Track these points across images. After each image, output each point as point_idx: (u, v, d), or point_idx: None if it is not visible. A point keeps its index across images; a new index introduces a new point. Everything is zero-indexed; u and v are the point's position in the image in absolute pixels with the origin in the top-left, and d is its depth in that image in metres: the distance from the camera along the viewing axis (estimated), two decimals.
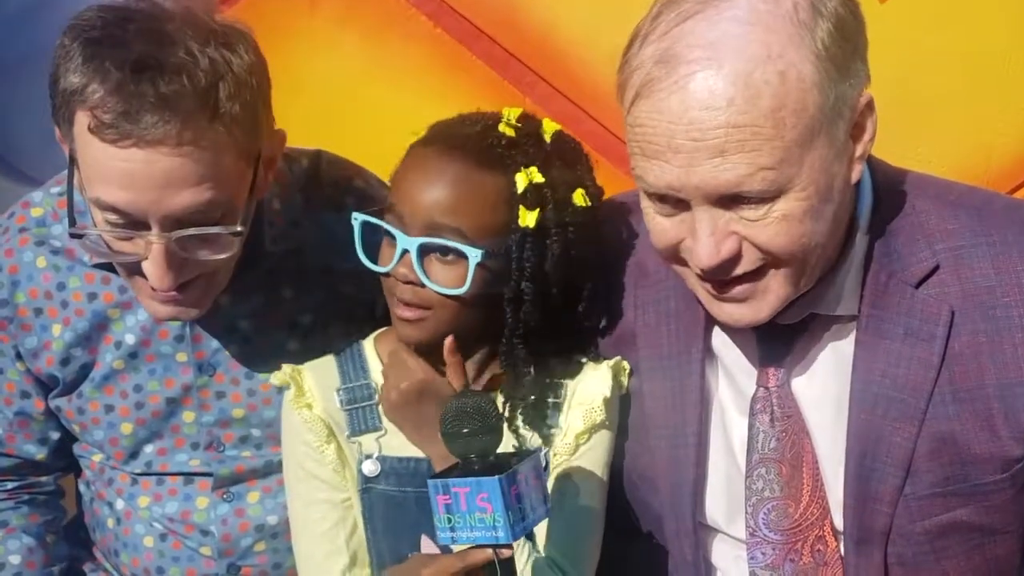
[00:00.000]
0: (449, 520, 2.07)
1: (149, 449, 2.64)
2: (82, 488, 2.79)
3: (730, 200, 2.08)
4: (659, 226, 2.18)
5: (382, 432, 2.42)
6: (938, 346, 2.22)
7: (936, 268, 2.24)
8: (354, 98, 3.51)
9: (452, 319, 2.33)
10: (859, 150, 2.16)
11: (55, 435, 2.71)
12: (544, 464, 2.19)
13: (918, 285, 2.24)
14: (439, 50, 3.50)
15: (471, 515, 2.05)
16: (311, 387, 2.45)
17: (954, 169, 3.39)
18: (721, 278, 2.17)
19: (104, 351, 2.60)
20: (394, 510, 2.40)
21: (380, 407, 2.42)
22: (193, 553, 2.66)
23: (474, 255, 2.28)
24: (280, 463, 2.60)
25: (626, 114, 2.14)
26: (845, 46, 2.08)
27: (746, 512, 2.35)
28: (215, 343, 2.59)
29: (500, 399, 2.39)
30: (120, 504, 2.69)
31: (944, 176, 2.58)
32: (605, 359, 2.46)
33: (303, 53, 3.49)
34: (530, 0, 3.47)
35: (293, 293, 2.61)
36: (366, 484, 2.42)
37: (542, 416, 2.41)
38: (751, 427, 2.34)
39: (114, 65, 2.20)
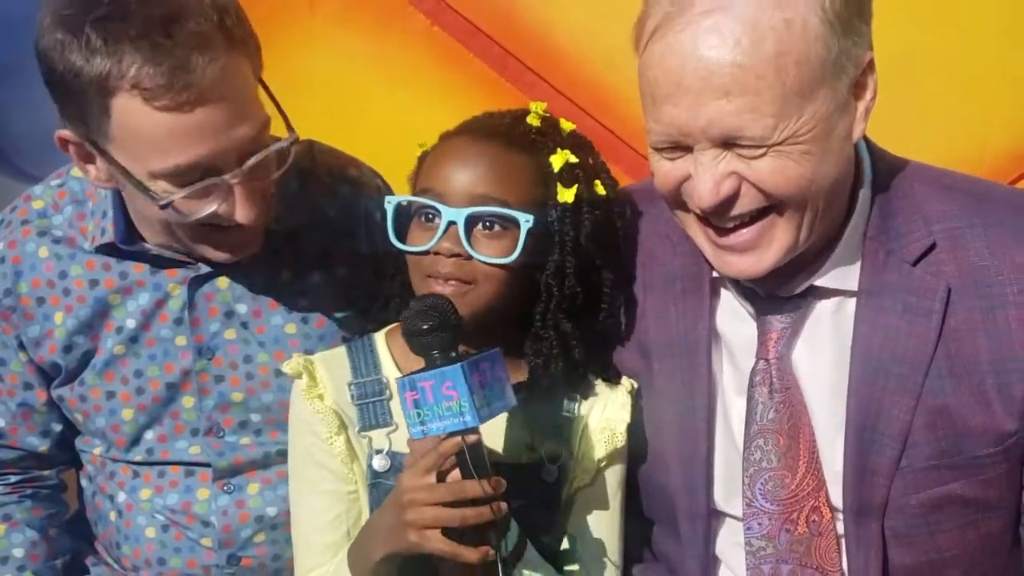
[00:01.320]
0: (419, 415, 2.17)
1: (149, 436, 2.66)
2: (84, 482, 2.80)
3: (732, 144, 2.16)
4: (663, 168, 2.25)
5: (392, 427, 2.42)
6: (935, 321, 2.27)
7: (933, 246, 2.30)
8: (353, 95, 3.55)
9: (494, 294, 2.35)
10: (861, 107, 2.23)
11: (57, 427, 2.73)
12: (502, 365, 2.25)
13: (915, 263, 2.30)
14: (437, 48, 3.54)
15: (439, 405, 2.15)
16: (323, 378, 2.45)
17: (948, 164, 3.39)
18: (722, 223, 2.23)
19: (105, 337, 2.62)
20: None
21: (391, 402, 2.43)
22: (194, 544, 2.67)
23: (525, 220, 2.32)
24: (279, 453, 2.63)
25: (640, 58, 2.22)
26: (851, 5, 2.16)
27: (743, 483, 2.38)
28: (214, 327, 2.61)
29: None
30: (122, 497, 2.70)
31: None
32: (618, 379, 2.49)
33: (302, 51, 3.52)
34: None
35: (290, 277, 2.63)
36: (376, 479, 2.42)
37: (557, 417, 2.44)
38: (750, 399, 2.38)
39: (138, 33, 2.22)
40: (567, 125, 2.50)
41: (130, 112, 2.25)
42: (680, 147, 2.20)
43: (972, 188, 2.38)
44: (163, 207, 2.34)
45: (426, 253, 2.35)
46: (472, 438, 2.17)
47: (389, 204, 2.41)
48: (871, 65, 2.22)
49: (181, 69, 2.21)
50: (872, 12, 2.23)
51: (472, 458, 2.18)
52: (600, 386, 2.48)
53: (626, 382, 2.49)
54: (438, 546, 2.19)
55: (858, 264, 2.33)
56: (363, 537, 2.35)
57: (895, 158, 2.41)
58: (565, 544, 2.47)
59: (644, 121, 2.25)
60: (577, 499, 2.47)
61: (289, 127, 2.43)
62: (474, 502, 2.18)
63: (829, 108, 2.16)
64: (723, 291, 2.43)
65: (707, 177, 2.17)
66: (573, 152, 2.43)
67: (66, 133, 2.38)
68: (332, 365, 2.47)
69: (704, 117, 2.13)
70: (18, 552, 2.71)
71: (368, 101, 3.54)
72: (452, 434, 2.17)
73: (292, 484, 2.51)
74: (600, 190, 2.46)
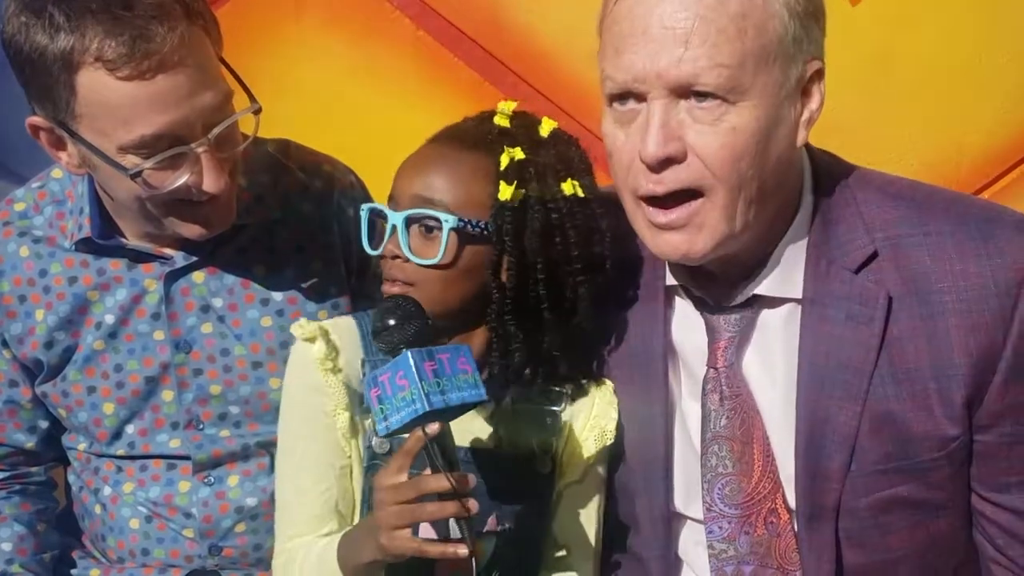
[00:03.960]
0: (382, 411, 2.18)
1: (131, 429, 2.71)
2: (71, 479, 2.85)
3: (686, 94, 2.19)
4: (617, 141, 2.27)
5: None
6: (877, 328, 2.29)
7: (874, 255, 2.32)
8: (339, 100, 3.59)
9: (434, 295, 2.34)
10: (806, 114, 2.26)
11: (44, 424, 2.78)
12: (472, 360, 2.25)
13: (858, 271, 2.32)
14: (423, 52, 3.59)
15: (396, 397, 2.16)
16: (341, 349, 2.45)
17: (926, 166, 3.45)
18: (655, 186, 2.23)
19: (86, 333, 2.67)
20: None
21: None
22: (177, 535, 2.72)
23: (447, 221, 2.32)
24: (258, 445, 2.68)
25: (607, 17, 2.24)
26: (808, 4, 2.21)
27: (702, 489, 2.42)
28: (190, 320, 2.66)
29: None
30: (107, 491, 2.75)
31: (915, 174, 2.65)
32: (600, 379, 2.51)
33: (289, 56, 3.57)
34: (511, 4, 3.56)
35: (265, 271, 2.68)
36: (373, 460, 2.42)
37: (546, 412, 2.47)
38: (703, 407, 2.41)
39: (99, 7, 2.28)
40: (548, 123, 2.47)
41: (95, 85, 2.31)
42: (634, 95, 2.22)
43: (914, 195, 2.39)
44: (134, 176, 2.37)
45: (380, 256, 2.38)
46: (433, 429, 2.16)
47: (363, 210, 2.44)
48: (819, 74, 2.25)
49: (141, 38, 2.27)
50: (825, 24, 2.26)
51: (441, 451, 2.18)
52: (586, 385, 2.49)
53: (608, 382, 2.50)
54: (405, 544, 2.18)
55: (801, 273, 2.35)
56: (352, 536, 2.35)
57: (839, 165, 2.43)
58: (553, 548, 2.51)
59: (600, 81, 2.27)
60: (564, 496, 2.50)
61: (251, 97, 2.47)
62: (441, 497, 2.18)
63: (779, 92, 2.19)
64: (677, 300, 2.46)
65: (656, 131, 2.18)
66: (533, 151, 2.39)
67: (36, 119, 2.43)
68: (343, 336, 2.47)
69: (662, 61, 2.16)
70: (6, 546, 2.76)
71: (355, 106, 3.58)
72: (413, 425, 2.17)
73: (281, 450, 2.49)
74: (568, 189, 2.41)
